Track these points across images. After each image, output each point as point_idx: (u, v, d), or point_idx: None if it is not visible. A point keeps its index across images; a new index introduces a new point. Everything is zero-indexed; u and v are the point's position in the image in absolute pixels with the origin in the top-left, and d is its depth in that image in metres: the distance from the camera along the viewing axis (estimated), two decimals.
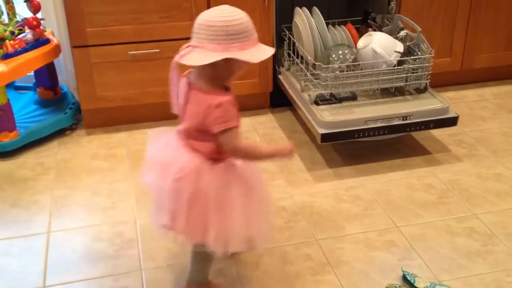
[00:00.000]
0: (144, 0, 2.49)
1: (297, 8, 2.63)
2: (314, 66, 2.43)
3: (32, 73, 2.73)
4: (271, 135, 2.67)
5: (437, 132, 2.61)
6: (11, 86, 2.90)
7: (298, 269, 1.85)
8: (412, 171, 2.37)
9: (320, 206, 2.15)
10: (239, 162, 1.57)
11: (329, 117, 2.30)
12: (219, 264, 1.83)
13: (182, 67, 1.50)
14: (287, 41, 2.69)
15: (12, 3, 2.64)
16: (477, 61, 3.03)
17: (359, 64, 2.42)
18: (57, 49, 2.66)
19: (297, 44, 2.61)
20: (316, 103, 2.39)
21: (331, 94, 2.41)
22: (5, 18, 2.68)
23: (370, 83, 2.41)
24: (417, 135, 2.59)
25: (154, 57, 2.59)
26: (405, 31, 2.56)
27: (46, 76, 2.75)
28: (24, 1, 2.58)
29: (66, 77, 3.06)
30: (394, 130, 2.35)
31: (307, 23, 2.52)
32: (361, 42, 2.45)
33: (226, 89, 1.54)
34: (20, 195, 2.25)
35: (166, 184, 1.52)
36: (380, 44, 2.38)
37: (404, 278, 1.78)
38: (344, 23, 2.68)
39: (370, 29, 2.69)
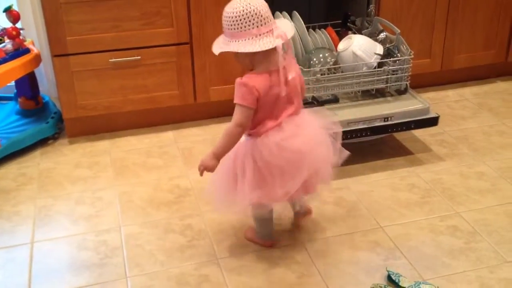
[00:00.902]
0: (123, 8, 2.49)
1: (277, 13, 2.63)
2: None
3: (13, 83, 2.72)
4: None
5: (418, 133, 2.63)
6: None
7: (284, 270, 1.86)
8: (395, 172, 2.39)
9: None
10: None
11: None
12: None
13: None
14: None
15: None
16: (456, 62, 3.06)
17: (340, 67, 2.44)
18: (37, 59, 2.65)
19: None
20: None
21: (313, 97, 2.42)
22: None
23: (351, 85, 2.42)
24: (399, 135, 2.61)
25: (135, 64, 2.58)
26: (384, 33, 2.58)
27: (27, 86, 2.73)
28: (3, 11, 2.57)
29: (47, 86, 3.04)
30: (376, 131, 2.37)
31: None
32: (341, 45, 2.47)
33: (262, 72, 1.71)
34: (2, 205, 2.23)
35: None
36: (360, 47, 2.40)
37: (389, 277, 1.79)
38: (324, 27, 2.70)
39: (350, 32, 2.71)
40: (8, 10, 2.56)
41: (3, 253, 1.98)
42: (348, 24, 2.78)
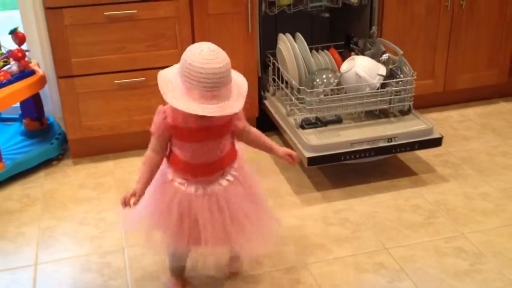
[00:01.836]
0: (128, 30, 2.52)
1: (281, 35, 2.66)
2: (299, 90, 2.46)
3: (18, 104, 2.73)
4: (257, 160, 2.67)
5: (422, 153, 2.63)
6: None
7: None
8: (399, 192, 2.38)
9: (309, 230, 2.16)
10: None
11: (315, 141, 2.32)
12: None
13: None
14: (272, 66, 2.72)
15: None
16: (460, 82, 3.07)
17: (343, 88, 2.45)
18: (42, 80, 2.67)
19: (281, 69, 2.64)
20: (302, 127, 2.41)
21: (317, 118, 2.43)
22: None
23: (355, 106, 2.43)
24: (403, 156, 2.61)
25: (140, 85, 2.60)
26: (387, 54, 2.60)
27: (32, 107, 2.75)
28: (9, 33, 2.59)
29: (52, 107, 3.06)
30: (380, 152, 2.37)
31: (290, 48, 2.56)
32: (345, 66, 2.48)
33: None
34: (6, 227, 2.23)
35: None
36: (363, 68, 2.41)
37: None
38: (327, 48, 2.72)
39: (352, 53, 2.73)
40: (14, 32, 2.58)
41: (7, 274, 1.97)
42: (351, 45, 2.80)
